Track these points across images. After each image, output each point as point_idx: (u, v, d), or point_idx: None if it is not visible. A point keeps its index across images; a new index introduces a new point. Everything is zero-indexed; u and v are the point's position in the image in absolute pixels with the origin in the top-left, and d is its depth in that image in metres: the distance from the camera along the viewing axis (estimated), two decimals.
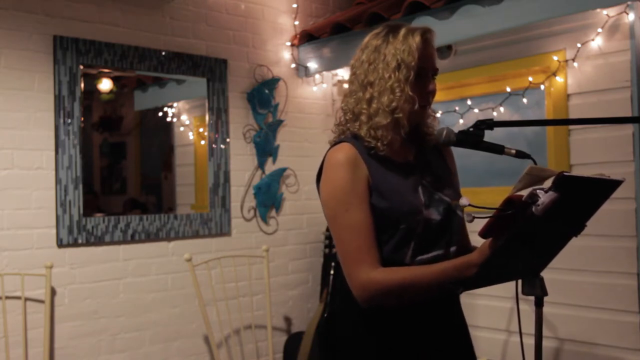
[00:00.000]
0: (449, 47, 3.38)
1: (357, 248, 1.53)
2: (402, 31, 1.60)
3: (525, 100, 3.12)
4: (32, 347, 2.95)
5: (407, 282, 1.51)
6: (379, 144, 1.58)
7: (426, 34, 1.61)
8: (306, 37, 3.94)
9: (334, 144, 1.65)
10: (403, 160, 1.65)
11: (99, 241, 3.18)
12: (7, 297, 2.90)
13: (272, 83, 3.90)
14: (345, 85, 3.97)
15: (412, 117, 1.61)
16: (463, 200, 1.39)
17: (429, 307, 1.59)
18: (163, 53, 3.44)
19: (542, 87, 3.05)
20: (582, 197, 1.34)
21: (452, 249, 1.63)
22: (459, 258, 1.51)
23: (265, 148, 3.85)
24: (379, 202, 1.56)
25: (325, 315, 3.65)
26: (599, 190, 1.37)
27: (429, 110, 1.67)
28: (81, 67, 3.14)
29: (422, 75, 1.60)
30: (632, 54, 2.71)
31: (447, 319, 1.66)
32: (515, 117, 3.17)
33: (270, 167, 3.89)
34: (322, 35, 3.82)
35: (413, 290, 1.52)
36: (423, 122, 1.69)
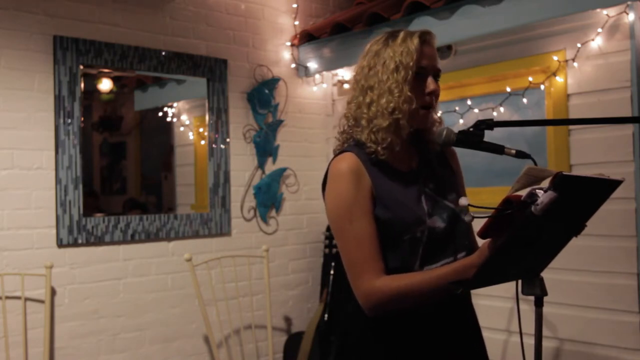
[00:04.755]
0: (449, 47, 3.38)
1: (361, 258, 1.54)
2: (401, 35, 1.61)
3: (525, 100, 3.11)
4: (32, 347, 2.95)
5: (410, 288, 1.51)
6: (379, 148, 1.58)
7: (425, 35, 1.62)
8: (306, 37, 3.94)
9: (337, 153, 1.65)
10: (406, 168, 1.65)
11: (99, 241, 3.18)
12: (7, 297, 2.90)
13: (272, 83, 3.90)
14: (346, 86, 4.01)
15: (413, 118, 1.60)
16: (462, 200, 1.39)
17: (439, 310, 1.59)
18: (163, 53, 3.44)
19: (542, 87, 3.05)
20: (581, 197, 1.34)
21: (460, 255, 1.62)
22: (459, 261, 1.51)
23: (265, 148, 3.85)
24: (383, 213, 1.56)
25: (326, 315, 3.66)
26: (598, 190, 1.37)
27: (433, 114, 1.66)
28: (81, 67, 3.15)
29: (422, 75, 1.60)
30: (632, 54, 2.71)
31: (458, 322, 1.65)
32: (515, 117, 3.16)
33: (270, 167, 3.89)
34: (322, 35, 3.82)
35: (416, 296, 1.52)
36: (428, 129, 1.68)
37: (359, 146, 1.62)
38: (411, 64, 1.57)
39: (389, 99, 1.57)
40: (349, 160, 1.58)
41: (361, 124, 1.62)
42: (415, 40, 1.59)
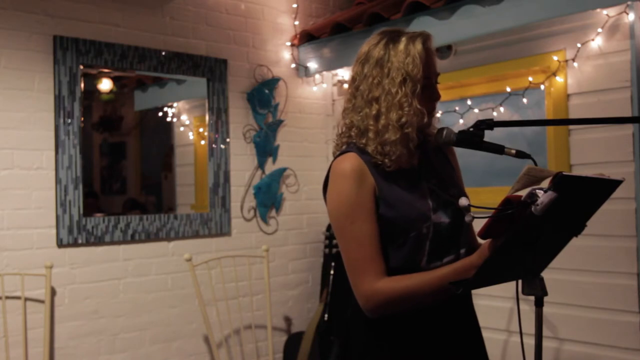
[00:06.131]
0: (449, 47, 3.38)
1: (362, 259, 1.54)
2: (403, 41, 1.58)
3: (525, 100, 3.11)
4: (32, 347, 2.95)
5: (410, 289, 1.51)
6: (386, 160, 1.57)
7: (427, 41, 1.60)
8: (306, 37, 3.94)
9: (339, 153, 1.63)
10: (408, 166, 1.64)
11: (99, 241, 3.18)
12: (7, 297, 2.90)
13: (272, 83, 3.90)
14: (346, 86, 4.00)
15: (421, 128, 1.61)
16: (462, 201, 1.39)
17: (440, 310, 1.59)
18: (163, 53, 3.44)
19: (542, 87, 3.05)
20: (581, 197, 1.34)
21: (462, 251, 1.63)
22: (460, 261, 1.51)
23: (265, 148, 3.85)
24: (387, 211, 1.56)
25: (326, 315, 3.65)
26: (598, 190, 1.37)
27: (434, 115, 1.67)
28: (81, 67, 3.15)
29: (428, 85, 1.59)
30: (632, 54, 2.71)
31: (459, 322, 1.65)
32: (515, 117, 3.17)
33: (270, 167, 3.89)
34: (322, 35, 3.82)
35: (416, 298, 1.52)
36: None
37: (361, 149, 1.61)
38: (419, 76, 1.55)
39: (399, 114, 1.55)
40: (351, 160, 1.57)
41: (368, 135, 1.59)
42: (419, 47, 1.56)
